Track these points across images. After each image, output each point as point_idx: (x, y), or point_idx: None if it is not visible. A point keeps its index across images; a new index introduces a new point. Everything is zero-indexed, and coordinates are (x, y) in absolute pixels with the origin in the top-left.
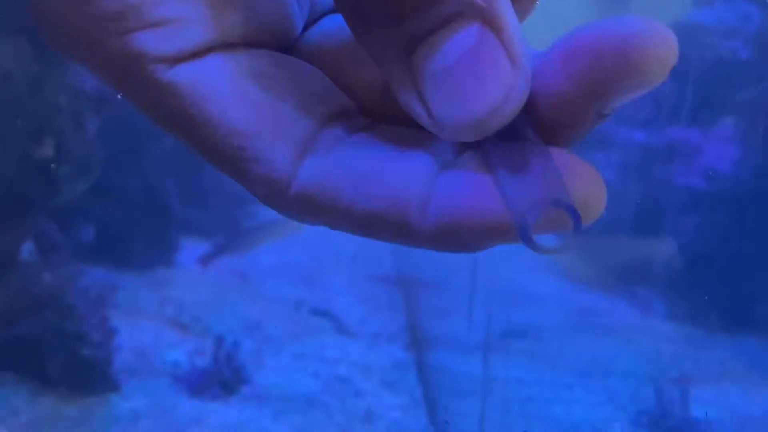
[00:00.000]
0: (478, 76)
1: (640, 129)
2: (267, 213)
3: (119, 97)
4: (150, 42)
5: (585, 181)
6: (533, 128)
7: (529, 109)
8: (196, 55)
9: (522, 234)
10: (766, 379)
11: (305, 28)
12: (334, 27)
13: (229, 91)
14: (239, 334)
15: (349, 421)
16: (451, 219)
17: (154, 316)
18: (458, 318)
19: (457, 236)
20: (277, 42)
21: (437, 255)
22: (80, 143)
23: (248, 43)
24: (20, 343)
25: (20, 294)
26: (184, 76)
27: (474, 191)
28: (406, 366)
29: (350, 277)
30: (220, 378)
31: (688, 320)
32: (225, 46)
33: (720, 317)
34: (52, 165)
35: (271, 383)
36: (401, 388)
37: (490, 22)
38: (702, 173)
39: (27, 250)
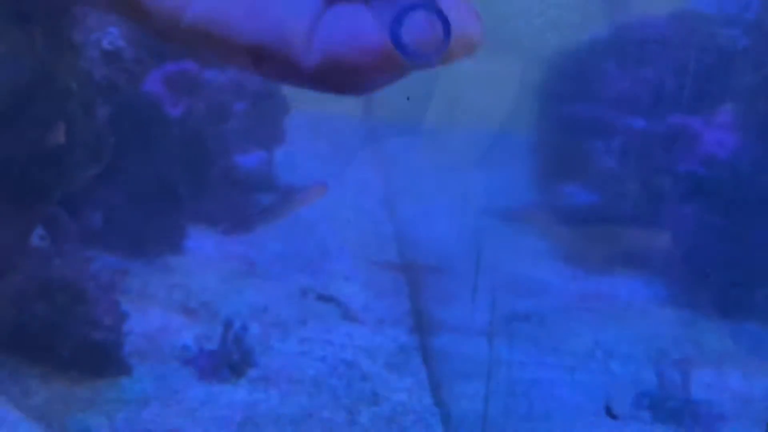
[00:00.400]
0: None
1: (641, 116)
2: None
3: None
4: None
5: (462, 12)
6: None
7: None
8: None
9: (394, 39)
10: (766, 362)
11: None
12: None
13: None
14: (247, 318)
15: (356, 404)
16: (333, 51)
17: (163, 302)
18: (462, 302)
19: (341, 70)
20: None
21: (441, 242)
22: (90, 130)
23: None
24: (32, 326)
25: (32, 279)
26: None
27: (355, 23)
28: (411, 350)
29: (355, 264)
30: (229, 361)
31: (688, 304)
32: None
33: (720, 302)
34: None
35: (279, 366)
36: (406, 371)
37: None
38: (702, 160)
39: (38, 235)
